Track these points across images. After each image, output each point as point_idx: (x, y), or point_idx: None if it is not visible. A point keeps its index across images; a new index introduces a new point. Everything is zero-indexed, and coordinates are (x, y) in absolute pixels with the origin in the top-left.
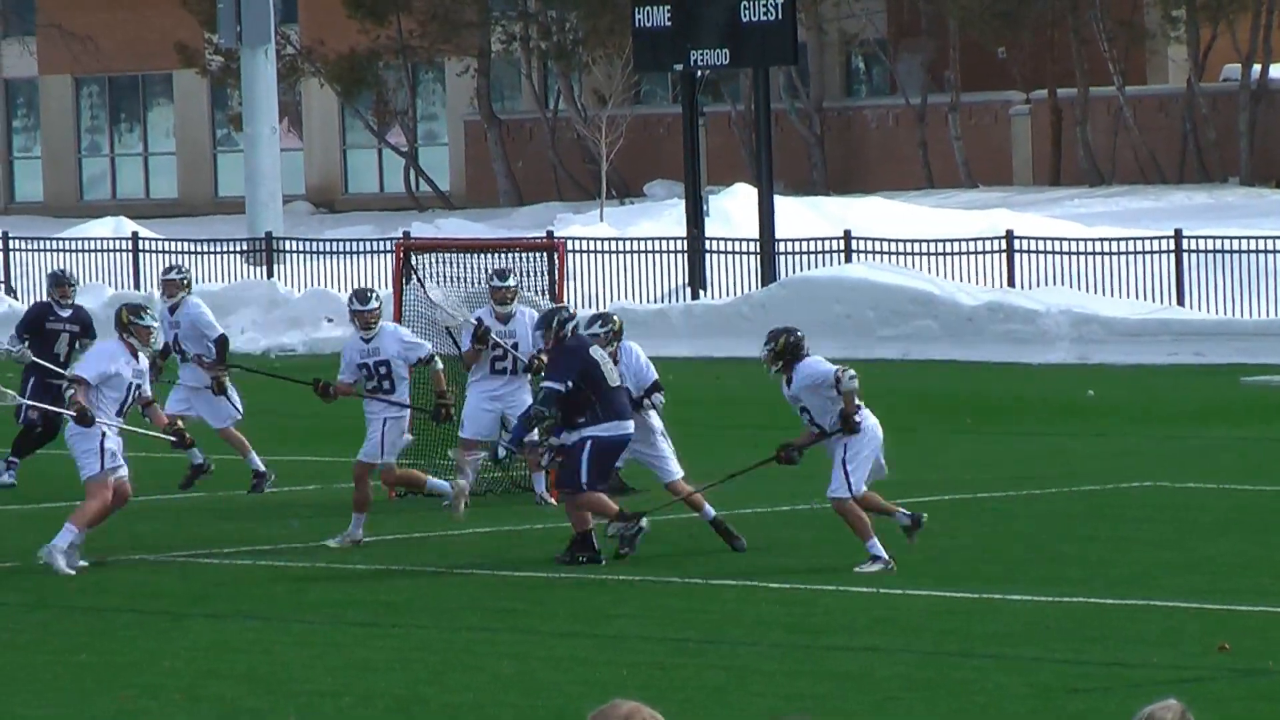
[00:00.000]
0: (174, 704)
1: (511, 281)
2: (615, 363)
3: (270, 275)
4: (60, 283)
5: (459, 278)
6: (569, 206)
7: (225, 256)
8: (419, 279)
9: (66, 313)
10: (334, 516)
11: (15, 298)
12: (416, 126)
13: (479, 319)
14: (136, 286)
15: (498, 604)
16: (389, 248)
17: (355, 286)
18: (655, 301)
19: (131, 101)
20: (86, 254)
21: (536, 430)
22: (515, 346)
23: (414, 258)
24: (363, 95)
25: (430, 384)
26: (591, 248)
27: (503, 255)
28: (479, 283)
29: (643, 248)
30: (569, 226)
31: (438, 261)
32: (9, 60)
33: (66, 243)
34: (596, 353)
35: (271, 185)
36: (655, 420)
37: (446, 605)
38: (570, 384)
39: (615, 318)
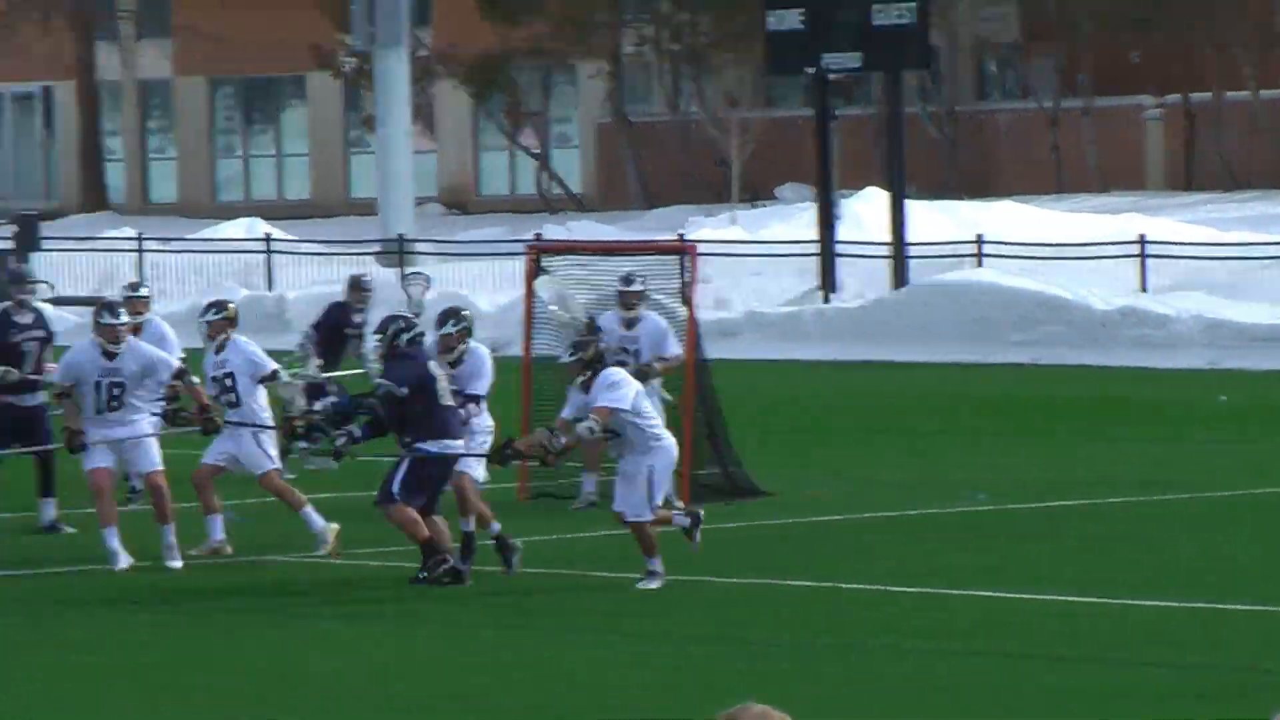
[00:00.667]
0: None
1: (637, 286)
2: (460, 362)
3: (403, 277)
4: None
5: (590, 280)
6: (700, 209)
7: (357, 258)
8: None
9: (28, 318)
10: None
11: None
12: (549, 129)
13: (591, 319)
14: (270, 287)
15: (614, 608)
16: (520, 250)
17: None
18: (786, 305)
19: (266, 103)
20: (220, 255)
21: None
22: (637, 354)
23: (545, 260)
24: (495, 97)
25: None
26: (723, 251)
27: (634, 258)
28: (613, 285)
29: (774, 251)
30: (700, 229)
31: (569, 264)
32: (145, 62)
33: (200, 243)
34: (435, 368)
35: (404, 187)
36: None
37: (566, 609)
38: (405, 390)
39: (466, 313)
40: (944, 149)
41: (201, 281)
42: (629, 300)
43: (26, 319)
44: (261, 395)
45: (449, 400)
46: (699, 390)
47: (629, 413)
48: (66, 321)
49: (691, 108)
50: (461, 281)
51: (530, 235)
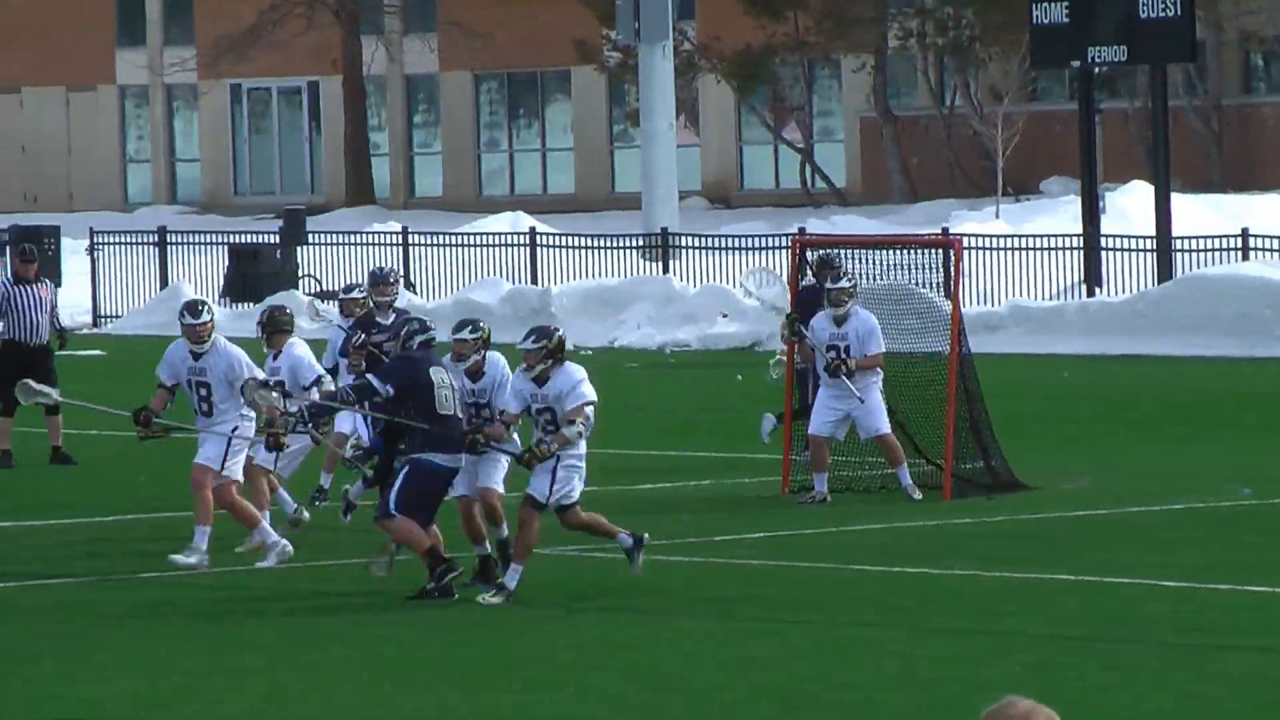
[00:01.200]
0: (565, 696)
1: (845, 283)
2: (479, 373)
3: (665, 270)
4: (380, 281)
5: (854, 273)
6: (964, 203)
7: (621, 252)
8: (813, 274)
9: (390, 320)
10: (723, 511)
11: (414, 292)
12: (812, 123)
13: (793, 312)
14: (534, 281)
15: (886, 600)
16: (784, 244)
17: None
18: (1050, 299)
19: (530, 98)
20: (484, 249)
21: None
22: (846, 351)
23: (809, 254)
24: (759, 91)
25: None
26: (986, 244)
27: (897, 251)
28: (875, 278)
29: (1038, 245)
30: (964, 223)
31: (832, 257)
32: (410, 57)
33: (464, 238)
34: (437, 374)
35: (668, 181)
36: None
37: (833, 602)
38: (390, 390)
39: (483, 325)
40: (1209, 142)
41: (466, 275)
42: (838, 298)
43: (389, 320)
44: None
45: (450, 410)
46: (962, 384)
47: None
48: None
49: (955, 101)
50: (725, 275)
51: (793, 229)
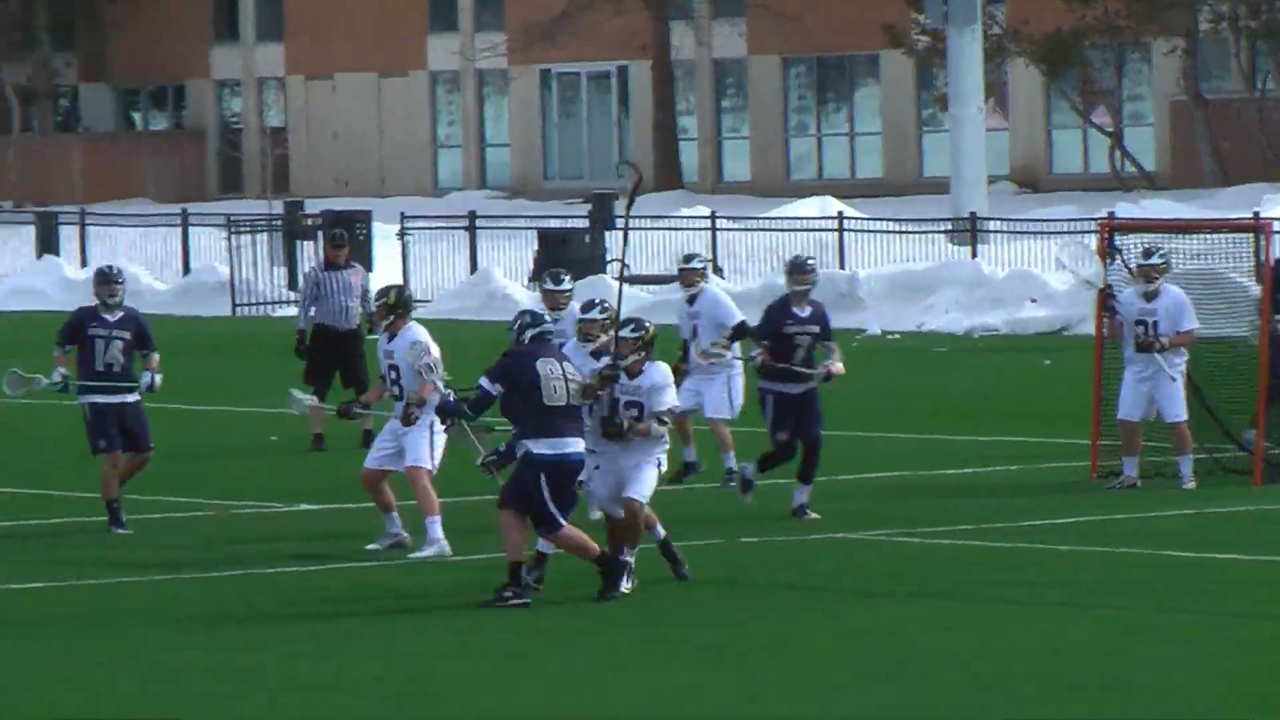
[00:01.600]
0: (887, 685)
1: (1156, 260)
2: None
3: (974, 255)
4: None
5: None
6: (1275, 188)
7: (929, 236)
8: (1123, 260)
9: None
10: (1030, 496)
11: (722, 276)
12: (1122, 106)
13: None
14: (842, 265)
15: (1198, 586)
16: (1093, 228)
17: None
18: None
19: (838, 81)
20: (792, 233)
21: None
22: (1154, 326)
23: (1118, 238)
24: (1068, 75)
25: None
26: None
27: (1207, 236)
28: (1183, 263)
29: None
30: (1275, 207)
31: (1141, 241)
32: (718, 41)
33: (772, 222)
34: (544, 365)
35: (976, 165)
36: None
37: (1145, 588)
38: (499, 389)
39: (609, 305)
40: None
41: (774, 260)
42: (1150, 273)
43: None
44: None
45: (561, 400)
46: (1272, 369)
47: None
48: (641, 299)
49: (1268, 85)
50: (1033, 260)
51: (1103, 213)
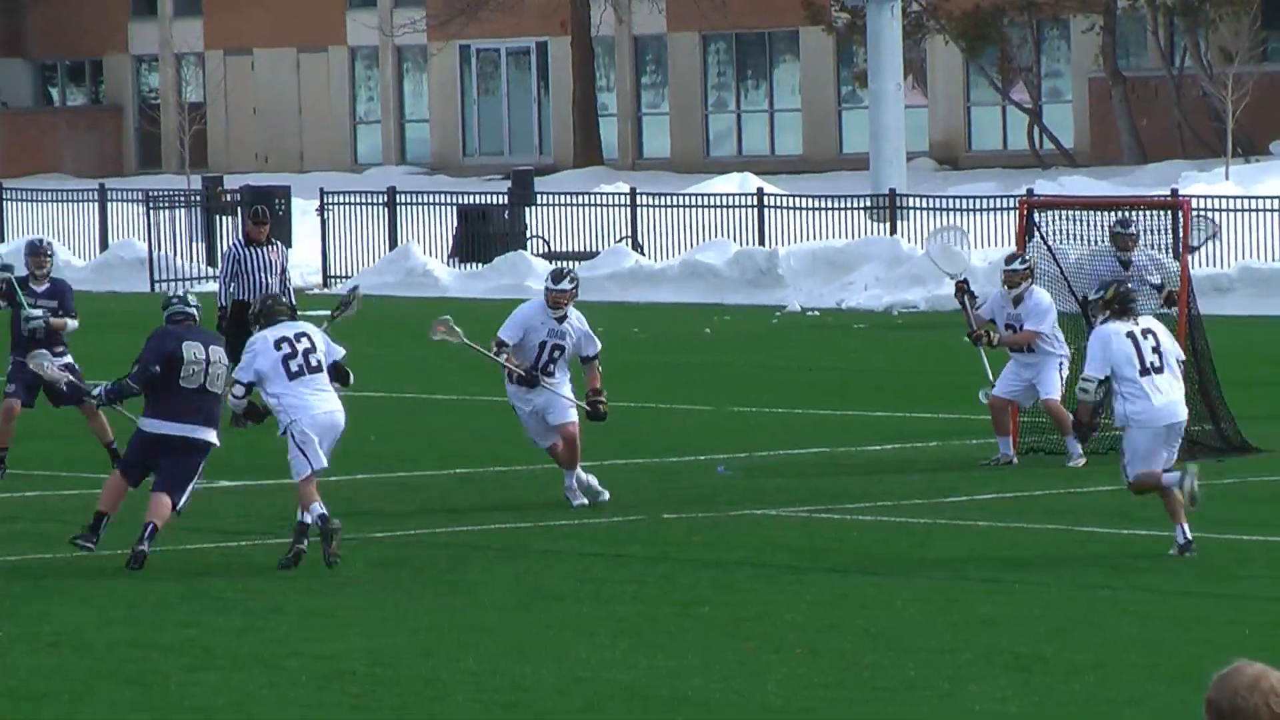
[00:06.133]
0: (794, 657)
1: (1019, 265)
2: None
3: (893, 232)
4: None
5: (1080, 235)
6: (1194, 164)
7: (849, 213)
8: (1042, 237)
9: (42, 287)
10: (953, 472)
11: (642, 253)
12: (1041, 83)
13: (964, 281)
14: (761, 242)
15: (1120, 561)
16: (1012, 205)
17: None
18: None
19: (758, 58)
20: (712, 210)
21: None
22: (1021, 328)
23: (1037, 215)
24: (987, 52)
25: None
26: (1216, 206)
27: (1126, 212)
28: (1101, 240)
29: (1268, 206)
30: (1193, 185)
31: (1060, 218)
32: (638, 18)
33: (692, 199)
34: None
35: (896, 142)
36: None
37: (1068, 562)
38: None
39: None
40: None
41: (693, 237)
42: (1013, 279)
43: (40, 289)
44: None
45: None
46: (1191, 346)
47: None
48: None
49: (1185, 62)
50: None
51: (1021, 190)
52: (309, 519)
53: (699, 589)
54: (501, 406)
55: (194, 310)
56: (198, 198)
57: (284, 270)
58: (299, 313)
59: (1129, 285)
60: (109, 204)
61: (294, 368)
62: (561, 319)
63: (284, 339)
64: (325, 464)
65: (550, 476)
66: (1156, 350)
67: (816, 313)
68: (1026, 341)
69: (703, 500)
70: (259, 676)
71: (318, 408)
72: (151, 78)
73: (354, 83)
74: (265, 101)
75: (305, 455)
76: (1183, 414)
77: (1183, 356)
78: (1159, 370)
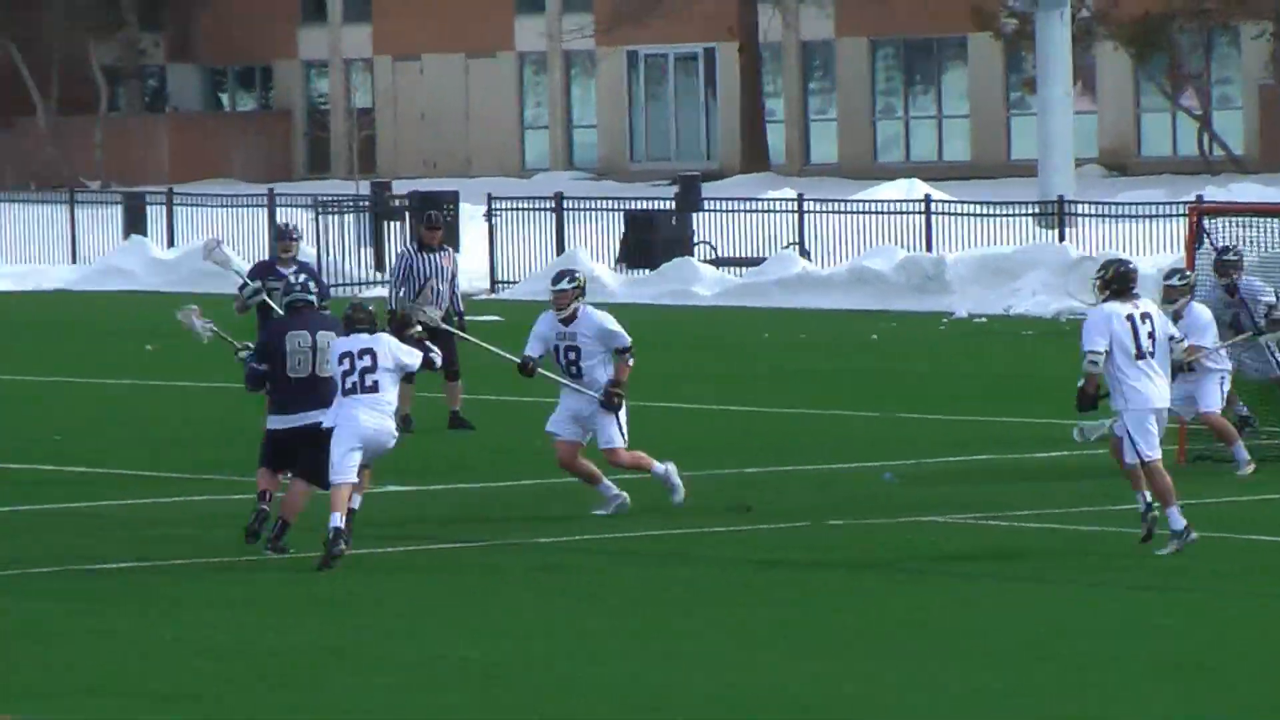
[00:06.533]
0: (955, 665)
1: (1176, 281)
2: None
3: (1062, 239)
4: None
5: (1254, 241)
6: None
7: (1017, 219)
8: (1211, 243)
9: (289, 269)
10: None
11: (809, 258)
12: (1210, 90)
13: None
14: (929, 248)
15: None
16: (1181, 211)
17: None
18: None
19: (926, 64)
20: (879, 216)
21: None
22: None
23: (1207, 221)
24: (1156, 58)
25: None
26: None
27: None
28: (1273, 246)
29: None
30: None
31: (1231, 225)
32: (806, 23)
33: (859, 205)
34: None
35: (1064, 148)
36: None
37: (1229, 572)
38: None
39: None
40: None
41: (860, 243)
42: (1171, 294)
43: (288, 271)
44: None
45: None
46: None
47: None
48: (729, 282)
49: None
50: (1121, 243)
51: (1191, 197)
52: (339, 523)
53: (844, 595)
54: (641, 411)
55: (312, 297)
56: (366, 203)
57: (454, 276)
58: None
59: (1130, 265)
60: (278, 209)
61: (348, 385)
62: (568, 320)
63: (348, 354)
64: (351, 479)
65: (699, 484)
66: (1152, 335)
67: (984, 319)
68: (1192, 359)
69: (868, 507)
70: (405, 678)
71: (363, 423)
72: (321, 83)
73: (522, 88)
74: (433, 107)
75: (333, 463)
76: (1168, 400)
77: (1177, 335)
78: (1153, 355)
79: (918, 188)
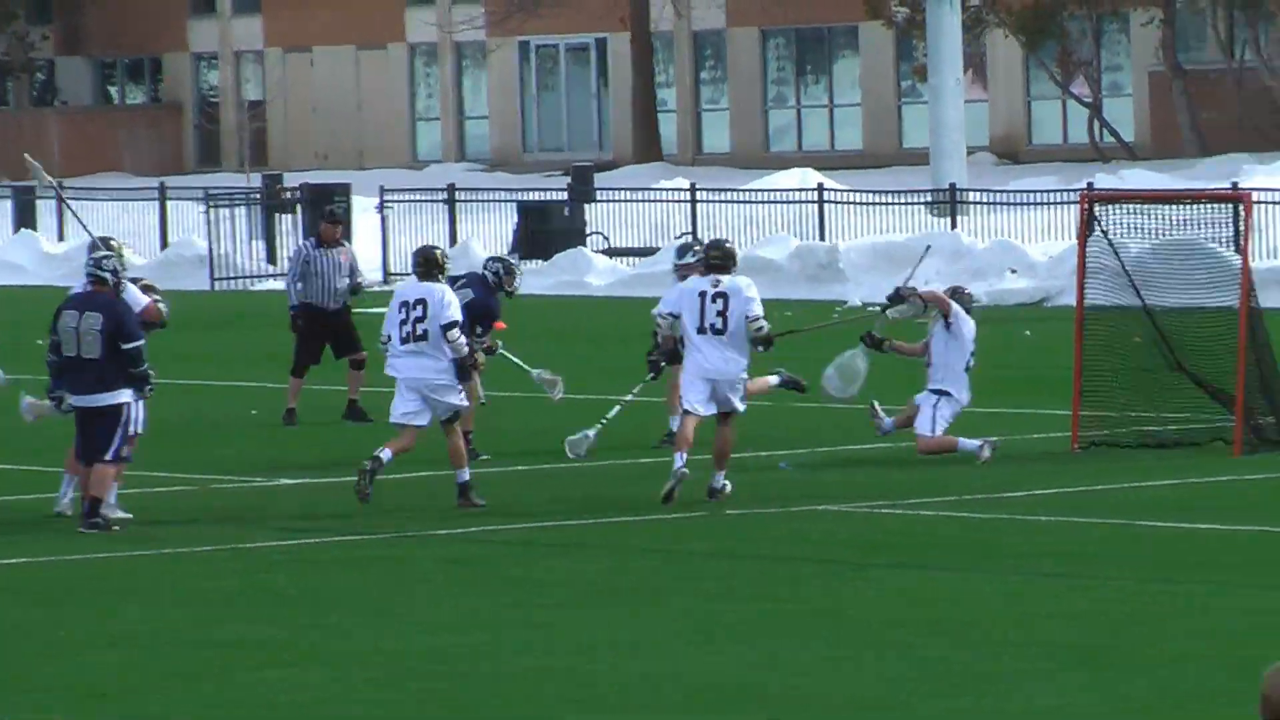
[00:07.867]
0: (863, 652)
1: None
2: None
3: (954, 226)
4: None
5: (1143, 228)
6: (1254, 158)
7: (909, 207)
8: (1103, 231)
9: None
10: (1012, 466)
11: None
12: (1101, 77)
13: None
14: (822, 237)
15: (1179, 557)
16: (1072, 199)
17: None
18: None
19: (817, 53)
20: (772, 205)
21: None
22: None
23: (1098, 209)
24: (1047, 46)
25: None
26: (1277, 199)
27: (1187, 206)
28: (1164, 233)
29: None
30: (1254, 178)
31: (1121, 212)
32: (697, 13)
33: (752, 194)
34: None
35: (956, 136)
36: None
37: (1134, 557)
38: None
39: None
40: None
41: (753, 232)
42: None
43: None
44: None
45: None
46: (1252, 339)
47: None
48: (621, 272)
49: (1246, 55)
50: (1013, 231)
51: (1082, 184)
52: (382, 453)
53: (766, 585)
54: (532, 402)
55: (106, 275)
56: (257, 196)
57: (353, 271)
58: (362, 309)
59: (724, 246)
60: (169, 202)
61: (403, 333)
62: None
63: (405, 303)
64: (407, 419)
65: (596, 474)
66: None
67: (877, 307)
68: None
69: (767, 497)
70: (323, 674)
71: (409, 371)
72: (211, 75)
73: (413, 80)
74: (325, 99)
75: (393, 406)
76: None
77: (756, 314)
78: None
79: (811, 177)
